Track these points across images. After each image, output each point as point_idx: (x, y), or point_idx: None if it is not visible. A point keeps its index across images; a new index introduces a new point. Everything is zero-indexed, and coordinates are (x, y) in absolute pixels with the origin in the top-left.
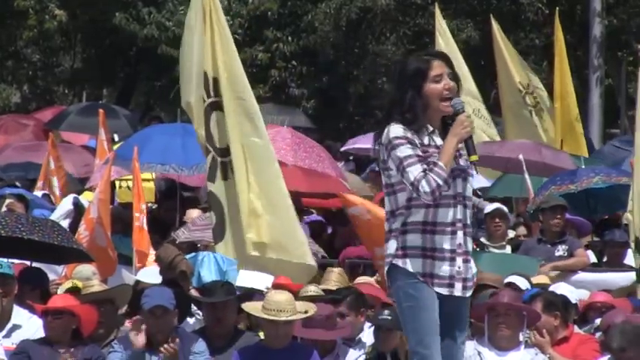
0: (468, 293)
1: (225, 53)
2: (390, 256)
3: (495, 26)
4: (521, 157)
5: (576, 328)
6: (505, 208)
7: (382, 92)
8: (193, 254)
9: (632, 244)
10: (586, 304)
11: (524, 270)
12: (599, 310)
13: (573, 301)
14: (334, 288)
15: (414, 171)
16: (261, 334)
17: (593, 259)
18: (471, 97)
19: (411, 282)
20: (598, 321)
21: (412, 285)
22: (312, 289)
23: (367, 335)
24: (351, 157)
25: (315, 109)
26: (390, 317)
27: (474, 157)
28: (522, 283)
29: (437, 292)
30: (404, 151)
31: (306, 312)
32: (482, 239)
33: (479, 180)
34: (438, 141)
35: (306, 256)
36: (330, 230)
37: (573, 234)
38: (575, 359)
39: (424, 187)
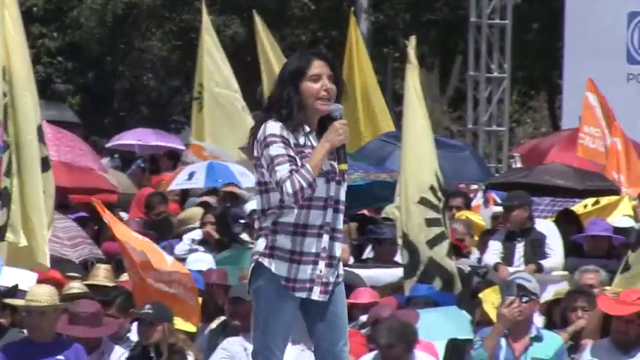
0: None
1: (15, 47)
2: (257, 254)
3: (258, 21)
4: None
5: None
6: None
7: (147, 88)
8: None
9: (400, 240)
10: (349, 303)
11: None
12: (363, 308)
13: None
14: (102, 283)
15: (282, 170)
16: (26, 332)
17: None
18: (228, 90)
19: (273, 284)
20: (363, 318)
21: (273, 288)
22: (77, 286)
23: (134, 332)
24: (116, 155)
25: (81, 104)
26: (151, 311)
27: (343, 166)
28: None
29: (299, 297)
30: (276, 149)
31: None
32: (244, 236)
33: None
34: (315, 142)
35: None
36: (95, 227)
37: None
38: None
39: (287, 188)
